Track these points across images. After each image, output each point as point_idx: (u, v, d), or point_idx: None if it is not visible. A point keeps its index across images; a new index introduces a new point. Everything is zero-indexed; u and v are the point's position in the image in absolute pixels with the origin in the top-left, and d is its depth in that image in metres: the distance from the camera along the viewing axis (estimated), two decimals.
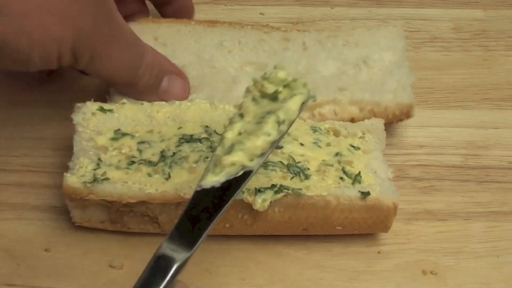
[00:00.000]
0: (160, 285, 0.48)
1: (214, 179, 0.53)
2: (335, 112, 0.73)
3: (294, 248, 0.67)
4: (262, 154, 0.55)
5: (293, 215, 0.64)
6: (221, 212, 0.53)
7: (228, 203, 0.53)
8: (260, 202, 0.62)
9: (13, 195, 0.70)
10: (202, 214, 0.52)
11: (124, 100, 0.70)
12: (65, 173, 0.64)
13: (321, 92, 0.72)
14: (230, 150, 0.54)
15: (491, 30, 0.91)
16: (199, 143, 0.66)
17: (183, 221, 0.52)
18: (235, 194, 0.53)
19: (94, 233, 0.66)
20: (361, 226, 0.65)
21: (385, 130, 0.71)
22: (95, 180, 0.63)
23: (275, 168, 0.65)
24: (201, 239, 0.51)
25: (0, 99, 0.78)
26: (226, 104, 0.71)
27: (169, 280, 0.49)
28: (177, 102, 0.70)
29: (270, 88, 0.57)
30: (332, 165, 0.66)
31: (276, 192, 0.62)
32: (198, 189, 0.53)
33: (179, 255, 0.50)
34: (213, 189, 0.53)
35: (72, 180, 0.63)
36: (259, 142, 0.54)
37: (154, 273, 0.49)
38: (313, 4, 0.94)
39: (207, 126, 0.68)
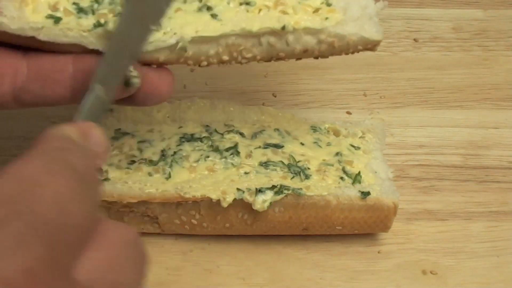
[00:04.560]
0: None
1: None
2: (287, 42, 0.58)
3: (294, 248, 0.67)
4: None
5: (293, 214, 0.64)
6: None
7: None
8: (260, 203, 0.62)
9: None
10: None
11: None
12: None
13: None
14: None
15: (491, 30, 0.92)
16: (199, 142, 0.66)
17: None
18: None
19: None
20: (361, 226, 0.65)
21: (385, 130, 0.71)
22: None
23: (275, 168, 0.65)
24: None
25: None
26: (226, 104, 0.71)
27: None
28: (177, 101, 0.71)
29: None
30: (332, 165, 0.66)
31: (276, 193, 0.62)
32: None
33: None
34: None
35: None
36: None
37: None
38: None
39: (207, 125, 0.68)
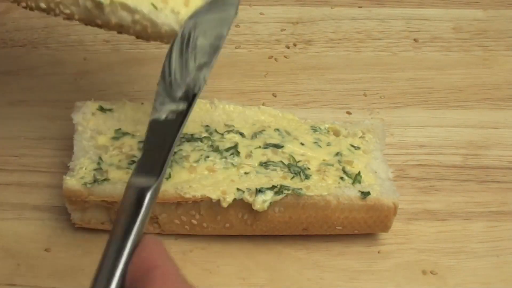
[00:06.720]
0: (139, 214, 0.49)
1: None
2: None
3: (294, 248, 0.67)
4: None
5: (293, 214, 0.64)
6: (177, 138, 0.55)
7: (181, 128, 0.56)
8: (260, 203, 0.62)
9: (13, 195, 0.70)
10: (161, 144, 0.54)
11: (124, 100, 0.70)
12: (64, 176, 0.63)
13: None
14: None
15: (491, 30, 0.92)
16: (199, 142, 0.66)
17: (145, 153, 0.53)
18: (187, 116, 0.57)
19: (94, 233, 0.66)
20: (361, 226, 0.65)
21: (385, 130, 0.71)
22: (95, 181, 0.63)
23: (275, 168, 0.65)
24: (166, 165, 0.53)
25: (0, 99, 0.78)
26: (226, 104, 0.71)
27: (145, 209, 0.49)
28: None
29: None
30: (332, 165, 0.66)
31: (276, 193, 0.62)
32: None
33: (149, 183, 0.50)
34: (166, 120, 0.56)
35: (72, 182, 0.63)
36: None
37: (130, 205, 0.50)
38: (313, 4, 0.94)
39: (207, 126, 0.68)
